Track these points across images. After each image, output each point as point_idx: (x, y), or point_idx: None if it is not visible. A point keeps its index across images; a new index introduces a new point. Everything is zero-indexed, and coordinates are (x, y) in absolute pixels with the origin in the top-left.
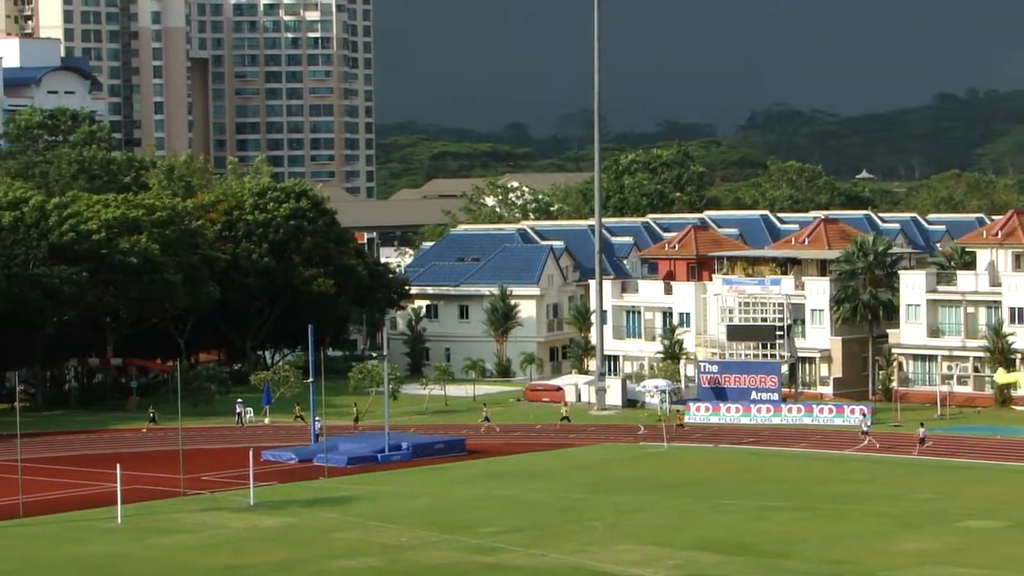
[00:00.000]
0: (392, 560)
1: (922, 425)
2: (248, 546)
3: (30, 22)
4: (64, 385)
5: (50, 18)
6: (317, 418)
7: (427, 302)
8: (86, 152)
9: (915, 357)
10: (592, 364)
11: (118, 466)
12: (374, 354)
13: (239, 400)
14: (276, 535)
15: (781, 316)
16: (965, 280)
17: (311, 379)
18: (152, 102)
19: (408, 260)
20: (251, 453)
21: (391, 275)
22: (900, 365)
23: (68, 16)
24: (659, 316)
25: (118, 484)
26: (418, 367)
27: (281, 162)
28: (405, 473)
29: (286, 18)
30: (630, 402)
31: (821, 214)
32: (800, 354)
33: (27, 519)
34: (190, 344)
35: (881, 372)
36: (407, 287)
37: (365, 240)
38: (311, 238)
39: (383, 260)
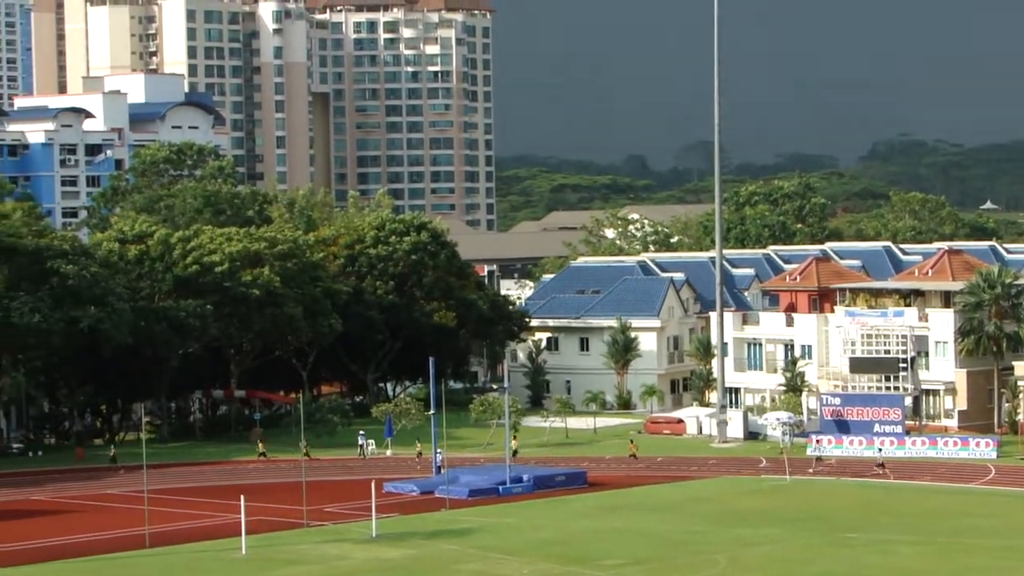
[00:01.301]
0: None
1: None
2: None
3: (155, 58)
4: (189, 417)
5: (174, 54)
6: (439, 450)
7: (548, 334)
8: (211, 186)
9: None
10: (713, 396)
11: (242, 497)
12: (495, 386)
13: (361, 432)
14: (398, 567)
15: (904, 348)
16: None
17: (432, 411)
18: (274, 136)
19: (528, 292)
20: (373, 485)
21: (511, 307)
22: None
23: (192, 52)
24: (780, 348)
25: (242, 515)
26: (538, 399)
27: (402, 195)
28: (526, 505)
29: (406, 52)
30: (752, 435)
31: (945, 245)
32: (924, 386)
33: (153, 549)
34: (312, 376)
35: (1007, 404)
36: (527, 319)
37: (486, 273)
38: (432, 271)
39: (503, 292)
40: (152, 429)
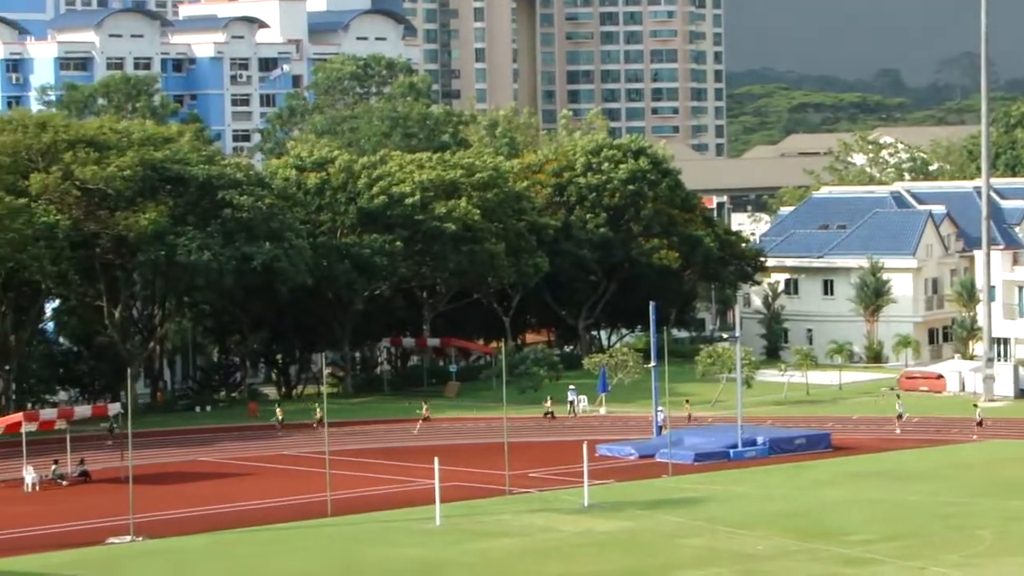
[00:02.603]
0: (745, 571)
1: None
2: (581, 552)
3: None
4: (376, 368)
5: None
6: (660, 408)
7: (786, 276)
8: (401, 106)
9: None
10: (978, 348)
11: (436, 460)
12: (725, 335)
13: (571, 387)
14: (613, 541)
15: None
16: None
17: (653, 363)
18: (472, 49)
19: (764, 228)
20: (585, 447)
21: (744, 245)
22: None
23: None
24: None
25: (436, 480)
26: (775, 350)
27: (618, 116)
28: (760, 471)
29: None
30: (1022, 392)
31: None
32: None
33: (336, 518)
34: (515, 323)
35: None
36: (763, 259)
37: (714, 205)
38: (652, 203)
39: (735, 228)
40: (334, 382)
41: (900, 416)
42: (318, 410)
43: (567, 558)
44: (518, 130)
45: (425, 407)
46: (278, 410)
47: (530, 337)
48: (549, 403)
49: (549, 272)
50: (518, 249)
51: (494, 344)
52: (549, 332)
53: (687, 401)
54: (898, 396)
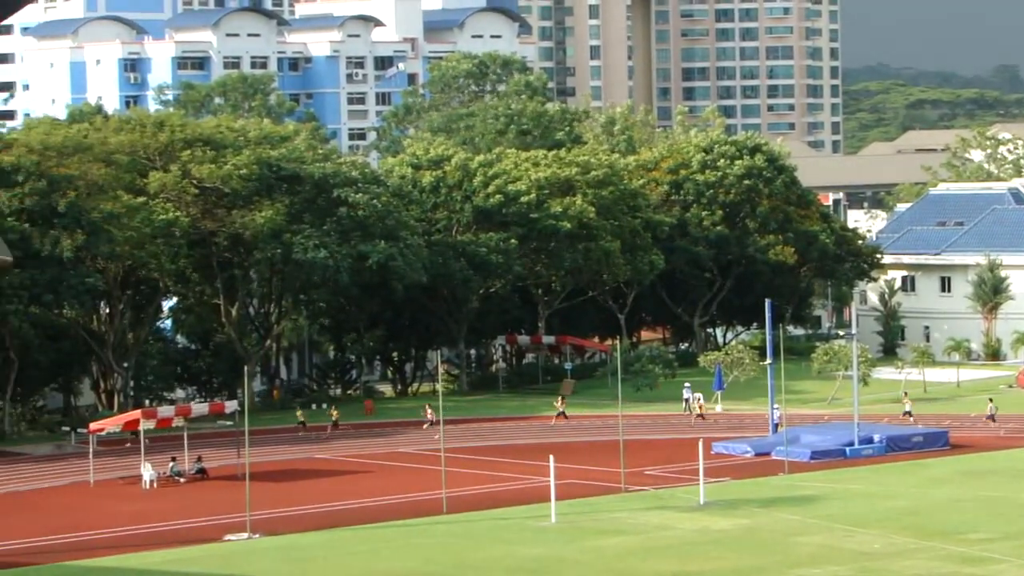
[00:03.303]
0: (862, 569)
1: None
2: (698, 550)
3: None
4: (491, 366)
5: None
6: (776, 406)
7: (903, 273)
8: (516, 104)
9: None
10: None
11: (551, 458)
12: (841, 332)
13: (686, 384)
14: (729, 538)
15: None
16: None
17: (769, 361)
18: (587, 46)
19: (880, 224)
20: (701, 445)
21: (860, 242)
22: None
23: None
24: None
25: (551, 478)
26: (892, 348)
27: (733, 112)
28: (877, 469)
29: None
30: None
31: None
32: None
33: (451, 516)
34: (631, 320)
35: None
36: (879, 256)
37: (830, 202)
38: (768, 200)
39: (851, 224)
40: (449, 380)
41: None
42: (334, 411)
43: (683, 556)
44: (634, 127)
45: (562, 397)
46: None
47: (645, 334)
48: (561, 403)
49: (664, 269)
50: (633, 246)
51: (609, 341)
52: (664, 329)
53: (699, 400)
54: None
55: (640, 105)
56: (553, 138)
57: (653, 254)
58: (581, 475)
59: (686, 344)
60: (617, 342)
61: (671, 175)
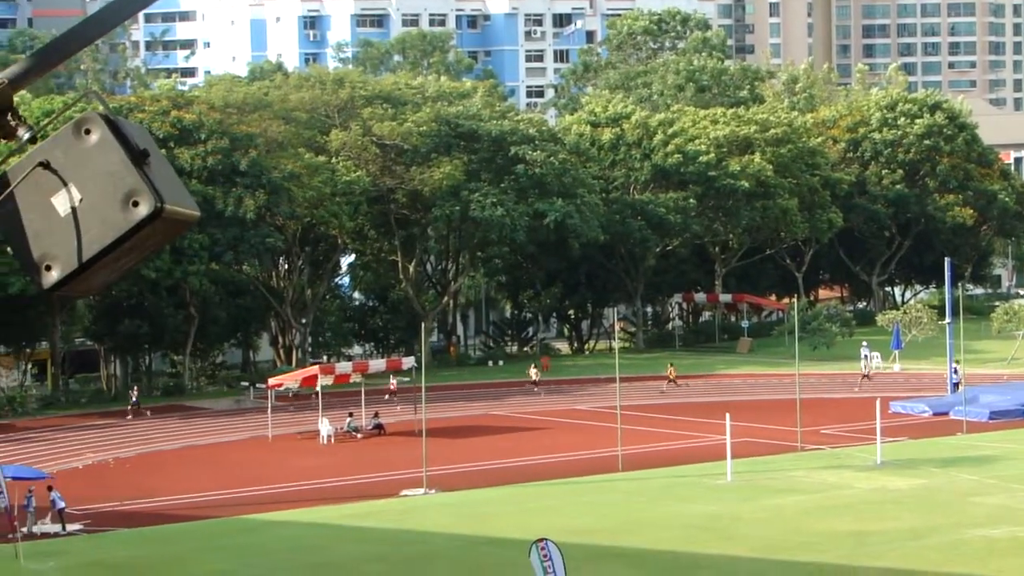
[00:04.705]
0: None
1: None
2: (874, 510)
3: None
4: (667, 324)
5: None
6: (955, 365)
7: None
8: (695, 61)
9: None
10: None
11: (727, 416)
12: (1022, 292)
13: (864, 343)
14: (906, 498)
15: None
16: None
17: (948, 320)
18: (767, 3)
19: None
20: (878, 404)
21: None
22: None
23: None
24: None
25: (727, 436)
26: None
27: (914, 70)
28: None
29: None
30: None
31: None
32: None
33: (626, 473)
34: (808, 278)
35: None
36: None
37: (1011, 160)
38: (948, 159)
39: None
40: (626, 337)
41: None
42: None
43: (860, 515)
44: (814, 85)
45: (671, 365)
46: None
47: (823, 293)
48: (534, 371)
49: (843, 228)
50: (811, 204)
51: (786, 300)
52: (842, 288)
53: (671, 364)
54: None
55: (820, 63)
56: (733, 96)
57: (831, 212)
58: (757, 433)
59: (864, 303)
60: (794, 300)
61: (850, 133)
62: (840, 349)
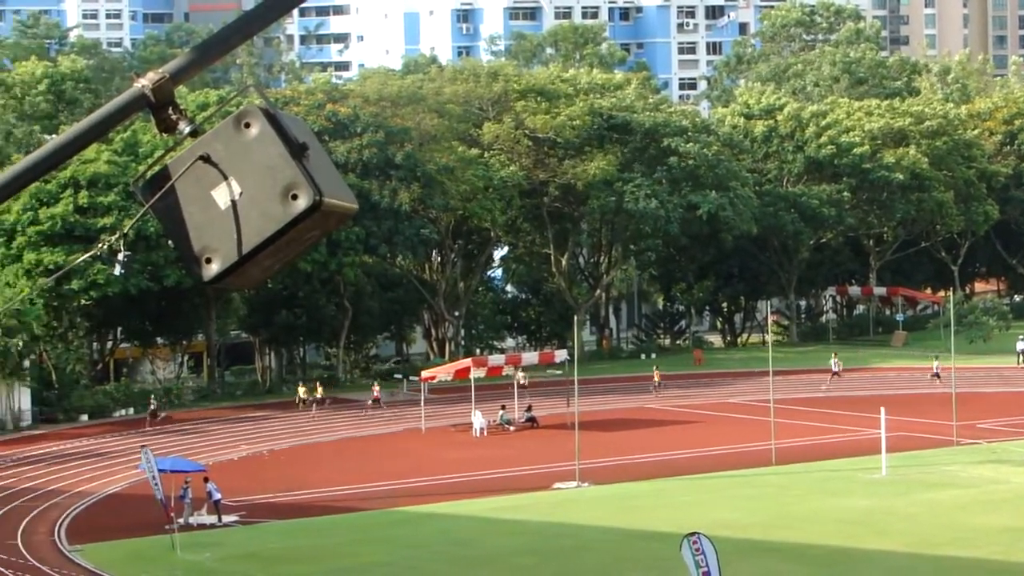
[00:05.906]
0: None
1: None
2: None
3: None
4: (821, 317)
5: None
6: None
7: None
8: (850, 52)
9: None
10: None
11: (882, 410)
12: None
13: (1021, 337)
14: None
15: None
16: None
17: None
18: None
19: None
20: None
21: None
22: None
23: None
24: None
25: (882, 430)
26: None
27: None
28: None
29: None
30: None
31: None
32: None
33: (779, 467)
34: (964, 271)
35: None
36: None
37: None
38: None
39: None
40: (779, 330)
41: None
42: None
43: (1018, 510)
44: (969, 76)
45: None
46: (301, 389)
47: (979, 286)
48: (836, 359)
49: (999, 220)
50: (967, 197)
51: (942, 293)
52: (999, 281)
53: (656, 367)
54: None
55: (977, 54)
56: (887, 88)
57: (987, 204)
58: (912, 428)
59: (1022, 296)
60: (950, 293)
61: (1006, 125)
62: (997, 343)
